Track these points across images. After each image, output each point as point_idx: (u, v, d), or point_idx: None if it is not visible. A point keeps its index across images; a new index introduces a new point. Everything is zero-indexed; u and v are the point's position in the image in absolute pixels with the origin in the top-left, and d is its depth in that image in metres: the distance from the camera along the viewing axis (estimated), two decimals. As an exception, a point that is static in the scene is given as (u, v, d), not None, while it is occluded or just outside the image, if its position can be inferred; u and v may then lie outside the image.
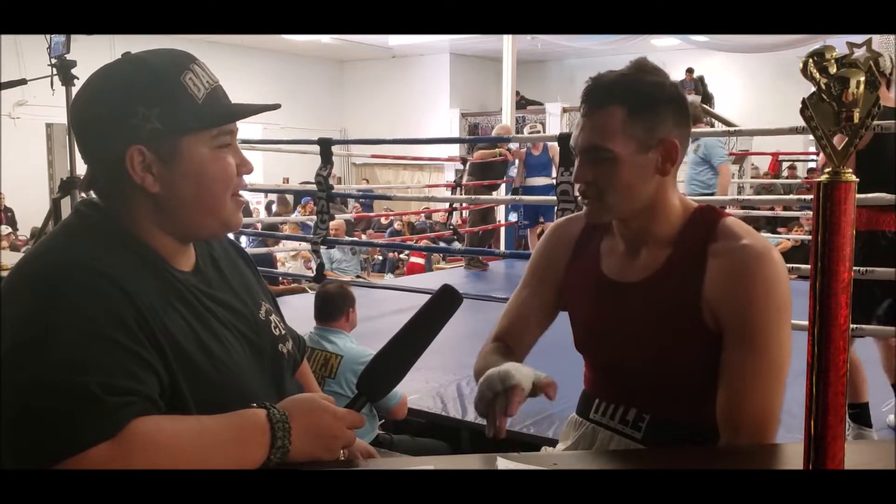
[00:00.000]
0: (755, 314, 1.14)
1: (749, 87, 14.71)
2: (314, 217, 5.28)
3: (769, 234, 7.42)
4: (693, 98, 12.93)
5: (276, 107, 1.04)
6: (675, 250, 1.22)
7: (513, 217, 8.09)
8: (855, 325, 2.69)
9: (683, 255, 1.20)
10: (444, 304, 1.10)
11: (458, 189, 7.22)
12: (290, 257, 7.98)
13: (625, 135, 1.17)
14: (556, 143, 6.51)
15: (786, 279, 1.16)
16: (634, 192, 1.19)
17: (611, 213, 1.23)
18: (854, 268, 0.70)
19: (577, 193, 3.71)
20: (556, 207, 3.83)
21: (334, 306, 2.94)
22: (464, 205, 7.33)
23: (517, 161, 7.02)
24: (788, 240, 7.66)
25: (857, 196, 0.71)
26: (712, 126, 10.57)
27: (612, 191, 1.19)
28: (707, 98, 13.52)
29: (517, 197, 6.20)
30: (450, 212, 7.61)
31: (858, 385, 2.78)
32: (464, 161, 7.17)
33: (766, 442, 1.13)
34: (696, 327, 1.17)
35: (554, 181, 6.49)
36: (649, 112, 1.17)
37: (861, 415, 2.78)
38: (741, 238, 1.17)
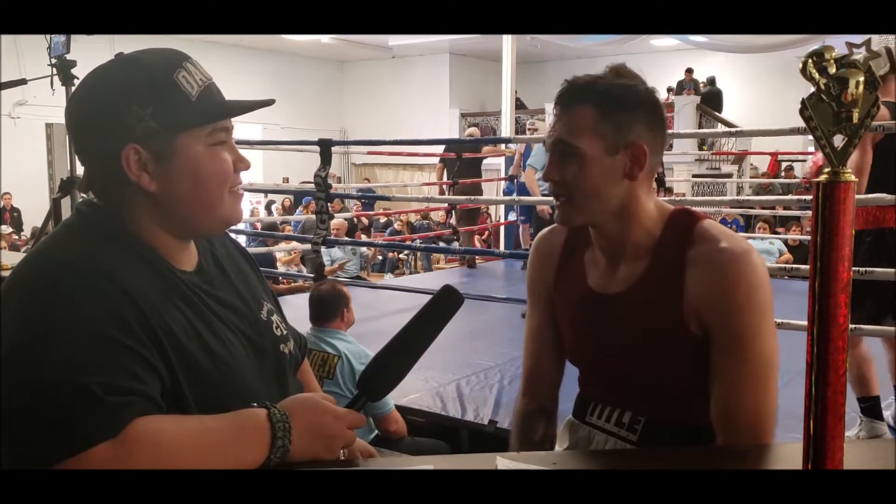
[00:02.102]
0: (738, 317, 1.13)
1: (748, 87, 14.72)
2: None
3: (770, 235, 7.42)
4: (692, 98, 12.96)
5: (270, 102, 1.04)
6: (653, 259, 1.21)
7: (512, 216, 8.10)
8: (854, 325, 2.69)
9: (662, 263, 1.20)
10: (445, 304, 1.10)
11: (452, 187, 7.24)
12: (288, 255, 7.98)
13: (593, 134, 1.16)
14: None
15: (766, 279, 1.16)
16: (602, 194, 1.18)
17: (581, 216, 1.21)
18: (854, 268, 0.70)
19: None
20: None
21: (329, 307, 2.94)
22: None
23: (515, 154, 7.05)
24: (790, 240, 7.65)
25: (857, 196, 0.71)
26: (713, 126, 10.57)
27: (579, 191, 1.18)
28: (714, 97, 13.53)
29: (517, 197, 6.19)
30: (449, 210, 7.62)
31: (869, 378, 2.77)
32: (458, 156, 7.19)
33: (764, 442, 1.13)
34: (682, 334, 1.17)
35: None
36: (619, 113, 1.16)
37: (873, 408, 2.78)
38: (719, 241, 1.16)
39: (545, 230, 1.42)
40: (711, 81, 13.78)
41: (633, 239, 1.22)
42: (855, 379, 2.75)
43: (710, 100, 13.38)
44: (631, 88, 1.18)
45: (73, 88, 1.00)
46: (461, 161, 7.12)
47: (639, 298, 1.20)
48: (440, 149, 7.84)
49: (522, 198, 5.98)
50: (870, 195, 2.64)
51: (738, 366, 1.14)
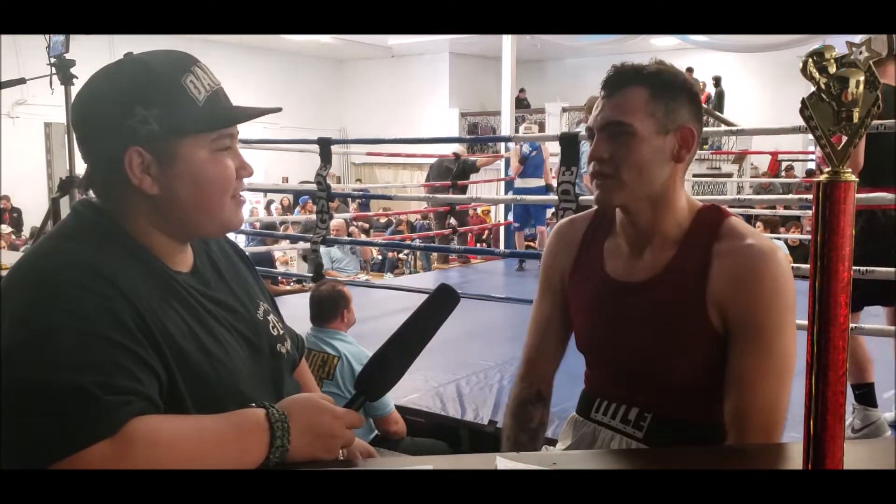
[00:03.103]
0: (761, 315, 1.14)
1: (748, 86, 14.72)
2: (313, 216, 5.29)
3: (772, 235, 7.42)
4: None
5: (277, 110, 1.04)
6: (679, 251, 1.22)
7: (511, 217, 8.11)
8: (854, 325, 2.68)
9: (688, 255, 1.20)
10: (441, 302, 1.10)
11: (451, 188, 7.26)
12: (283, 255, 7.97)
13: (645, 113, 1.18)
14: (549, 145, 6.58)
15: (790, 279, 1.17)
16: (649, 173, 1.19)
17: (623, 194, 1.20)
18: (854, 267, 0.70)
19: (578, 192, 3.73)
20: (554, 207, 3.83)
21: (329, 307, 2.94)
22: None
23: (512, 158, 7.06)
24: (790, 240, 7.64)
25: (857, 196, 0.71)
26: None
27: (627, 168, 1.18)
28: (716, 97, 13.53)
29: (517, 197, 6.19)
30: (448, 211, 7.63)
31: (864, 365, 2.77)
32: (456, 157, 7.19)
33: (773, 441, 1.13)
34: (701, 328, 1.17)
35: (544, 184, 6.58)
36: (670, 96, 1.19)
37: (867, 395, 2.78)
38: (745, 238, 1.18)
39: (566, 219, 1.44)
40: (717, 81, 13.79)
41: (662, 228, 1.23)
42: (850, 365, 2.74)
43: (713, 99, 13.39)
44: (678, 75, 1.22)
45: (80, 86, 1.00)
46: (459, 163, 7.14)
47: (660, 288, 1.21)
48: (440, 149, 7.85)
49: (524, 196, 5.98)
50: (870, 195, 2.65)
51: (757, 361, 1.14)
